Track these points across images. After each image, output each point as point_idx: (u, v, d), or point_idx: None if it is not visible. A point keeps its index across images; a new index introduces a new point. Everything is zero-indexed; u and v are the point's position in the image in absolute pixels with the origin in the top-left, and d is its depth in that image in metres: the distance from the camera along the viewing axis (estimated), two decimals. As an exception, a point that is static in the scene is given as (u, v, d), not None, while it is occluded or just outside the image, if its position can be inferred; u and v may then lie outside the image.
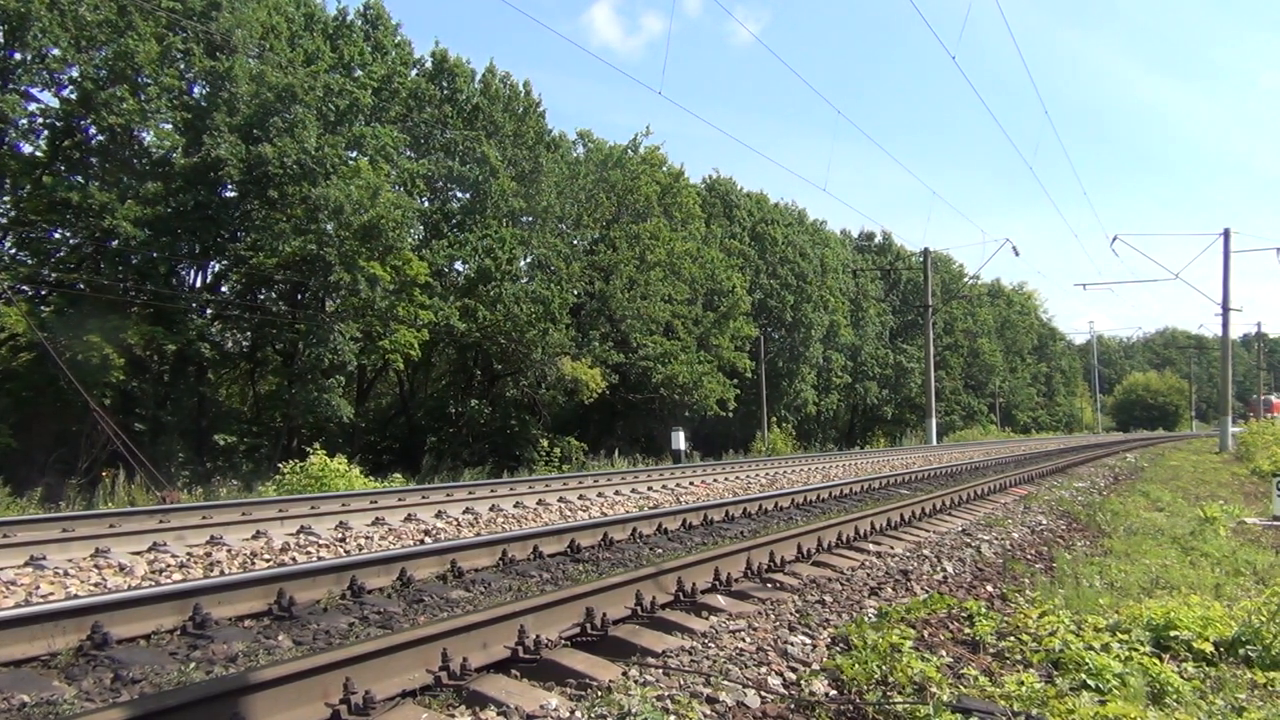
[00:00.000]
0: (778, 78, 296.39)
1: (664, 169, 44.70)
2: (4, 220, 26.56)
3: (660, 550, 9.35)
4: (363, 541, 10.12)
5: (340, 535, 10.31)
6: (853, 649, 5.30)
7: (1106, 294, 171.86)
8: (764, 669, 5.00)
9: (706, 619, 6.07)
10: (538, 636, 5.05)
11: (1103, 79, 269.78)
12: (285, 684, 3.94)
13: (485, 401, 35.89)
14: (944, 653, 5.46)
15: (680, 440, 32.13)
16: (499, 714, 4.19)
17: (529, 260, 36.75)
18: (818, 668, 5.09)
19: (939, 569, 8.40)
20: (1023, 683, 4.73)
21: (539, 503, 13.83)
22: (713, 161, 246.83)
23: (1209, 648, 5.70)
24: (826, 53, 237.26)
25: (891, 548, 9.54)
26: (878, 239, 72.78)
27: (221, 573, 8.17)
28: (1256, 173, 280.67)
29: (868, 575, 7.90)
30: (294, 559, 9.08)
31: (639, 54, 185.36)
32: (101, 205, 24.89)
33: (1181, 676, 5.18)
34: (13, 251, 26.99)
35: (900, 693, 4.59)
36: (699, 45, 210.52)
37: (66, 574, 7.81)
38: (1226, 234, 39.27)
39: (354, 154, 30.10)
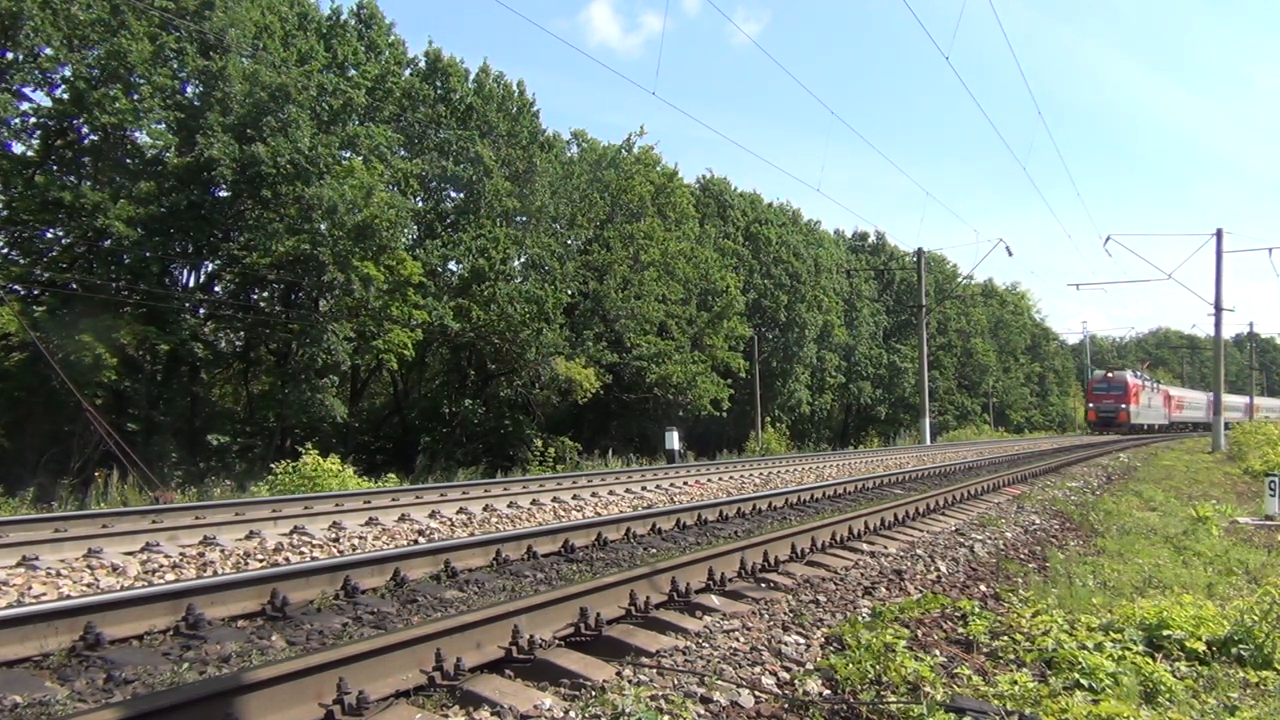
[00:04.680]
0: (774, 78, 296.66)
1: (658, 169, 44.72)
2: (-3, 220, 26.50)
3: (654, 550, 9.35)
4: (356, 542, 10.10)
5: (334, 535, 10.29)
6: (846, 649, 5.31)
7: (1100, 294, 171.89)
8: (758, 669, 5.01)
9: (701, 619, 6.08)
10: (532, 636, 5.05)
11: (1096, 79, 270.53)
12: (279, 684, 3.94)
13: (479, 401, 35.86)
14: (938, 652, 5.47)
15: (674, 440, 32.07)
16: (493, 714, 4.18)
17: (523, 260, 36.74)
18: (811, 667, 5.10)
19: (933, 569, 8.42)
20: (1016, 682, 4.74)
21: (533, 503, 13.82)
22: (708, 161, 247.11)
23: (1201, 647, 5.72)
24: (821, 53, 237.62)
25: (885, 547, 9.55)
26: (871, 239, 72.93)
27: (215, 573, 8.15)
28: (1249, 173, 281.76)
29: (861, 575, 7.91)
30: (287, 559, 9.06)
31: (637, 52, 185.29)
32: (94, 205, 24.83)
33: (1174, 675, 5.20)
34: (5, 251, 26.91)
35: (894, 692, 4.60)
36: (698, 45, 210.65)
37: (59, 574, 7.79)
38: (1219, 234, 39.38)
39: (348, 154, 30.06)
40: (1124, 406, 63.22)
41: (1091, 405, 66.62)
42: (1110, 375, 66.99)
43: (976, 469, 22.90)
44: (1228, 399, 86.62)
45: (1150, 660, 5.35)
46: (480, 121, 35.78)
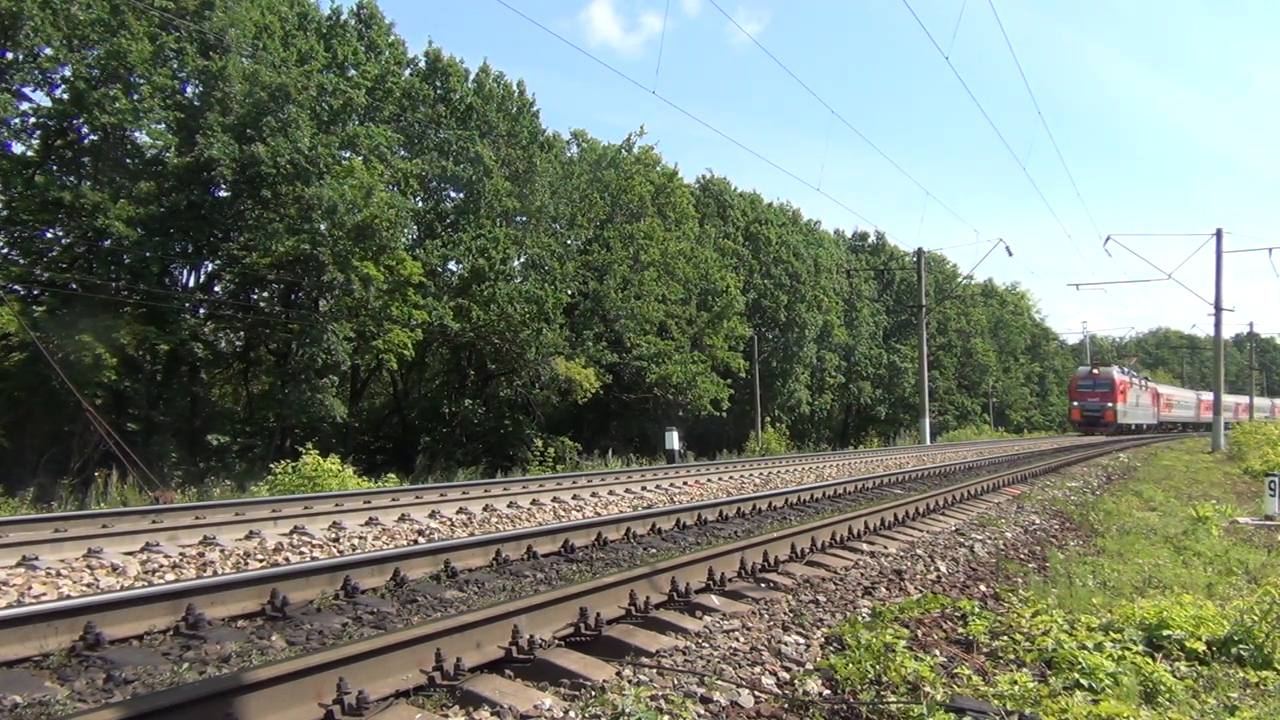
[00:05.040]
0: (774, 78, 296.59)
1: (658, 169, 44.74)
2: (-4, 220, 26.51)
3: (654, 550, 9.35)
4: (356, 542, 10.09)
5: (334, 535, 10.29)
6: (846, 648, 5.31)
7: (1099, 294, 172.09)
8: (758, 669, 5.01)
9: (700, 619, 6.07)
10: (532, 636, 5.05)
11: (1096, 79, 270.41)
12: (279, 684, 3.94)
13: (479, 401, 35.87)
14: (937, 652, 5.47)
15: (674, 440, 32.06)
16: (493, 714, 4.18)
17: (523, 260, 36.78)
18: (811, 667, 5.10)
19: (932, 569, 8.42)
20: (1016, 682, 4.74)
21: (533, 503, 13.81)
22: (708, 161, 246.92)
23: (1201, 647, 5.72)
24: (821, 53, 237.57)
25: (885, 547, 9.55)
26: (871, 239, 72.99)
27: (215, 573, 8.15)
28: (1249, 173, 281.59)
29: (861, 575, 7.91)
30: (287, 559, 9.06)
31: (638, 52, 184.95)
32: (94, 205, 24.84)
33: (1174, 675, 5.20)
34: (5, 251, 26.91)
35: (894, 692, 4.60)
36: (699, 44, 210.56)
37: (59, 574, 7.79)
38: (1219, 234, 39.35)
39: (347, 154, 30.08)
40: (1111, 405, 59.04)
41: (1076, 404, 61.86)
42: (1096, 371, 62.18)
43: (976, 469, 22.89)
44: (1223, 399, 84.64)
45: (1150, 660, 5.35)
46: (480, 121, 35.80)
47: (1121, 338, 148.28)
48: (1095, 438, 54.29)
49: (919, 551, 9.23)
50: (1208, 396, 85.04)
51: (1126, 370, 65.87)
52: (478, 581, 7.43)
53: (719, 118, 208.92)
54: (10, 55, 24.70)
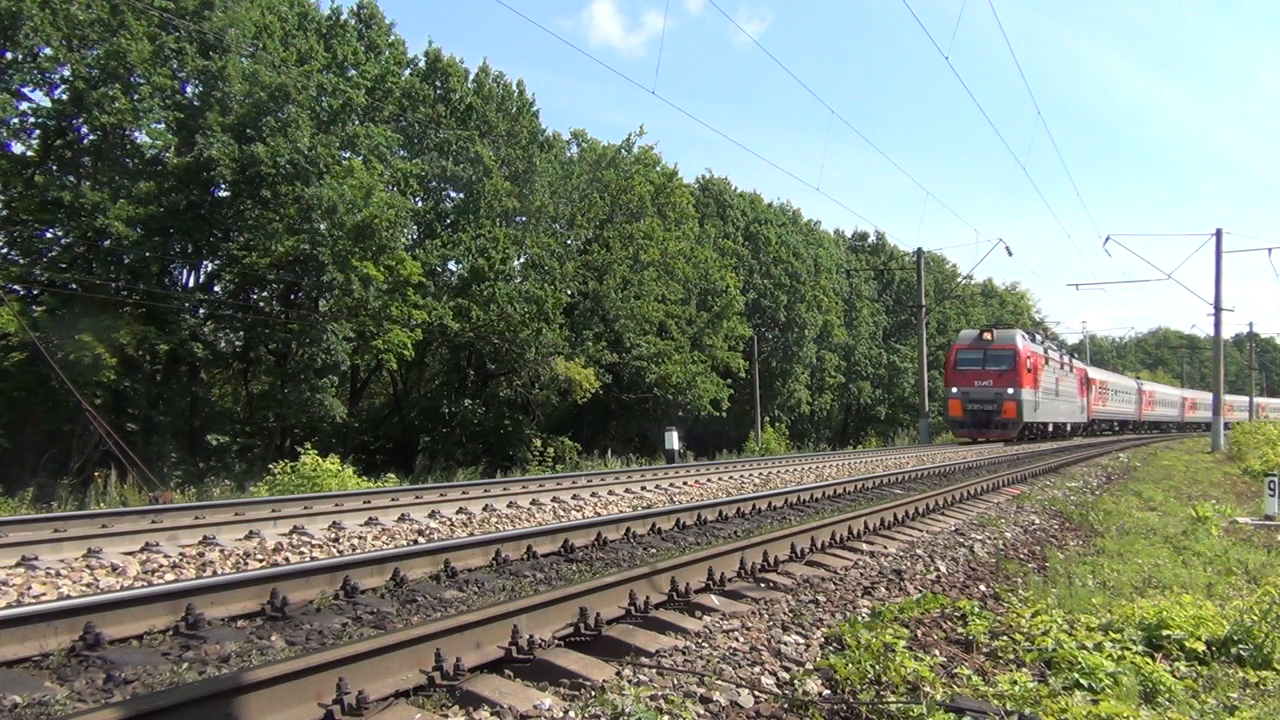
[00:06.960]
0: (775, 78, 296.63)
1: (658, 169, 44.76)
2: (-4, 220, 26.53)
3: (654, 550, 9.34)
4: (356, 542, 10.08)
5: (333, 535, 10.28)
6: (846, 648, 5.31)
7: (1099, 294, 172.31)
8: (757, 669, 5.00)
9: (700, 619, 6.07)
10: (531, 636, 5.05)
11: (1096, 78, 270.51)
12: (278, 684, 3.93)
13: (479, 401, 35.88)
14: (937, 652, 5.47)
15: (674, 440, 32.02)
16: (492, 714, 4.18)
17: (522, 260, 36.80)
18: (811, 667, 5.09)
19: (932, 568, 8.42)
20: (1016, 682, 4.74)
21: (532, 503, 13.80)
22: (708, 161, 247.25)
23: (1201, 647, 5.71)
24: (821, 53, 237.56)
25: (885, 547, 9.55)
26: (871, 239, 73.05)
27: (214, 573, 8.14)
28: (1249, 173, 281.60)
29: (861, 575, 7.91)
30: (287, 559, 9.05)
31: (639, 51, 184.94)
32: (94, 205, 24.85)
33: (1174, 675, 5.20)
34: (4, 251, 26.91)
35: (894, 692, 4.60)
36: (700, 44, 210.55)
37: (58, 574, 7.78)
38: (1219, 234, 39.34)
39: (347, 154, 30.09)
40: (1011, 392, 37.00)
41: (956, 391, 38.88)
42: (988, 336, 38.89)
43: (976, 469, 22.86)
44: (1169, 392, 79.50)
45: (1150, 660, 5.35)
46: (480, 121, 35.82)
47: (1121, 338, 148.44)
48: (1096, 438, 50.25)
49: (919, 551, 9.23)
50: (1150, 388, 73.35)
51: (1038, 338, 44.45)
52: (477, 581, 7.43)
53: (719, 118, 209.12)
54: (10, 55, 24.71)
